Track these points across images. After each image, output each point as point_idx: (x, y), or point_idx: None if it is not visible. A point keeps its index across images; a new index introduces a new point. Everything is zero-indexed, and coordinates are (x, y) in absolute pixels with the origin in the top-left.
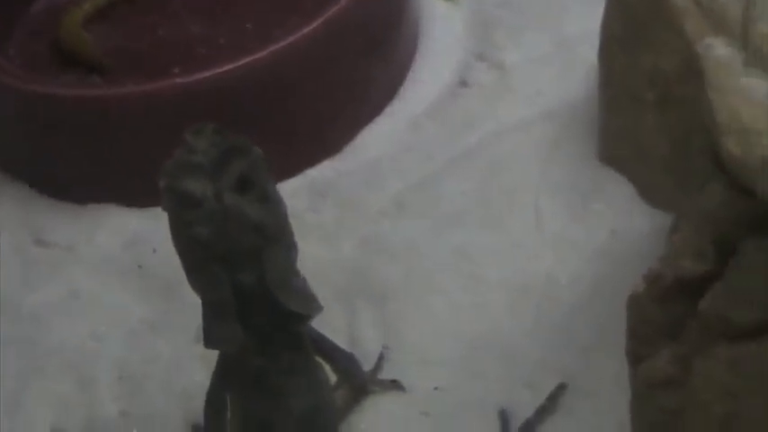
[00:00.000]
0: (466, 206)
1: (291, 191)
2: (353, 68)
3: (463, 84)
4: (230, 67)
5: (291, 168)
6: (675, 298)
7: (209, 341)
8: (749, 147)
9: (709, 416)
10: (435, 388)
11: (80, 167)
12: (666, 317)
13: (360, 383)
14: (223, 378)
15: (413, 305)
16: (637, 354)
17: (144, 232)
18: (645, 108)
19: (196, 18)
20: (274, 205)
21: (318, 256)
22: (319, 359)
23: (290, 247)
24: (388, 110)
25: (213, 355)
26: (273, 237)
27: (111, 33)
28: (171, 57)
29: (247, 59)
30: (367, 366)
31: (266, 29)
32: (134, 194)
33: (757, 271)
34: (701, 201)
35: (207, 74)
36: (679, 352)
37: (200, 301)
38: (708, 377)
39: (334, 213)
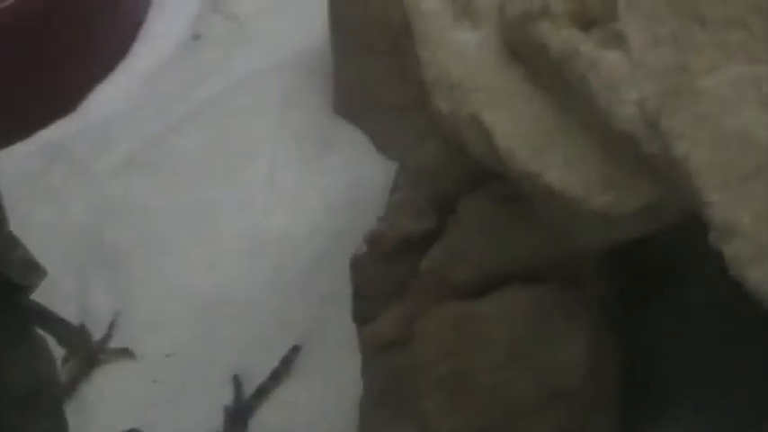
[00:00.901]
0: (199, 162)
1: (24, 154)
2: (81, 28)
3: (197, 37)
4: None
5: (23, 131)
6: (398, 258)
7: None
8: (458, 104)
9: (434, 375)
10: (168, 355)
11: None
12: (390, 277)
13: (88, 354)
14: None
15: (146, 267)
16: (362, 315)
17: None
18: (377, 58)
19: None
20: None
21: (48, 221)
22: (42, 332)
23: (2, 221)
24: (120, 67)
25: None
26: None
27: None
28: None
29: None
30: (99, 335)
31: None
32: None
33: (473, 230)
34: (418, 157)
35: None
36: (403, 312)
37: None
38: (431, 337)
39: (64, 176)
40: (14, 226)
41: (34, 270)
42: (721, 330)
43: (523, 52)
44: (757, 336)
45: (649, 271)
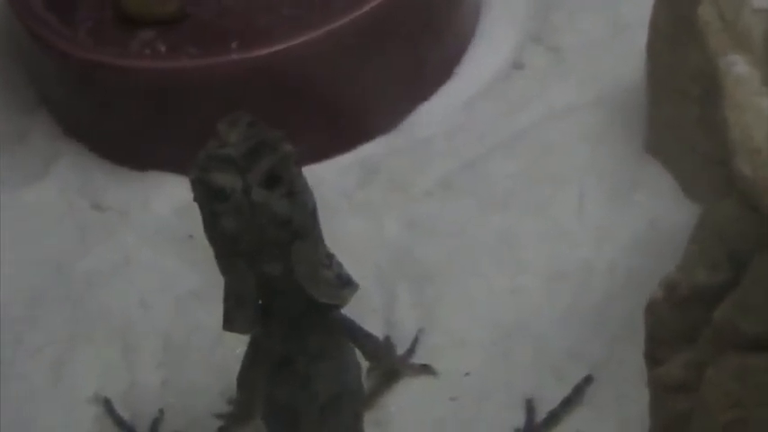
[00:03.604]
0: (512, 189)
1: (344, 166)
2: (412, 46)
3: (518, 66)
4: (285, 45)
5: (345, 144)
6: (691, 306)
7: (226, 324)
8: (758, 167)
9: (716, 423)
10: (466, 374)
11: (140, 135)
12: (682, 324)
13: (390, 367)
14: (253, 359)
15: (451, 288)
16: (654, 357)
17: None
18: (689, 102)
19: None
20: (302, 201)
21: (363, 234)
22: (348, 342)
23: (317, 241)
24: (443, 89)
25: None
26: (300, 231)
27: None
28: (233, 25)
29: (303, 38)
30: (403, 348)
31: (328, 4)
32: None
33: (763, 286)
34: (715, 212)
35: (262, 51)
36: (692, 358)
37: None
38: (717, 384)
39: (382, 191)
40: (329, 237)
41: (346, 286)
42: None
43: None
44: None
45: None
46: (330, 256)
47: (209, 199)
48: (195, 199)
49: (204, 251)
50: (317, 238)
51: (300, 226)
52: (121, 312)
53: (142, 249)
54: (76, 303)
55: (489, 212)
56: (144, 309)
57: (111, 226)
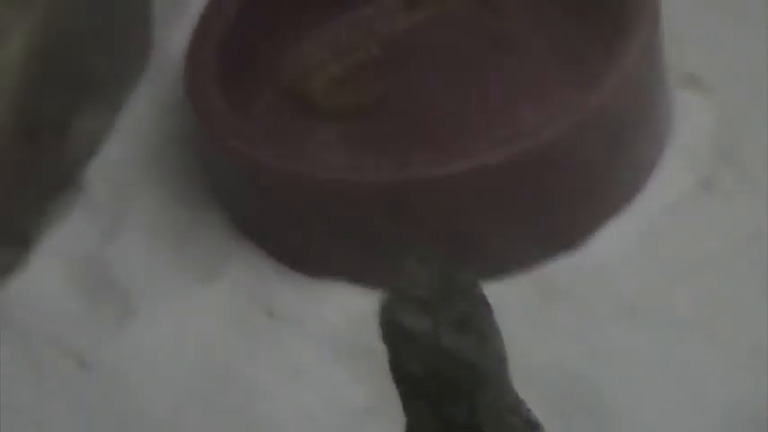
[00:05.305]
0: (695, 319)
1: (525, 286)
2: (600, 166)
3: (707, 186)
4: (475, 164)
5: (526, 263)
6: None
7: None
8: None
9: None
10: None
11: (313, 241)
12: None
13: None
14: None
15: (636, 427)
16: None
17: (373, 313)
18: None
19: (449, 90)
20: (491, 346)
21: (541, 360)
22: None
23: (504, 387)
24: (628, 209)
25: None
26: (488, 377)
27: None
28: (419, 130)
29: (493, 156)
30: None
31: (515, 114)
32: (368, 274)
33: None
34: None
35: (445, 169)
36: None
37: None
38: None
39: (563, 315)
40: None
41: (534, 431)
42: None
43: None
44: None
45: None
46: (519, 401)
47: (397, 341)
48: (383, 340)
49: (378, 365)
50: (505, 383)
51: (489, 371)
52: (289, 426)
53: (313, 360)
54: (239, 414)
55: (671, 343)
56: (312, 422)
57: (282, 333)
